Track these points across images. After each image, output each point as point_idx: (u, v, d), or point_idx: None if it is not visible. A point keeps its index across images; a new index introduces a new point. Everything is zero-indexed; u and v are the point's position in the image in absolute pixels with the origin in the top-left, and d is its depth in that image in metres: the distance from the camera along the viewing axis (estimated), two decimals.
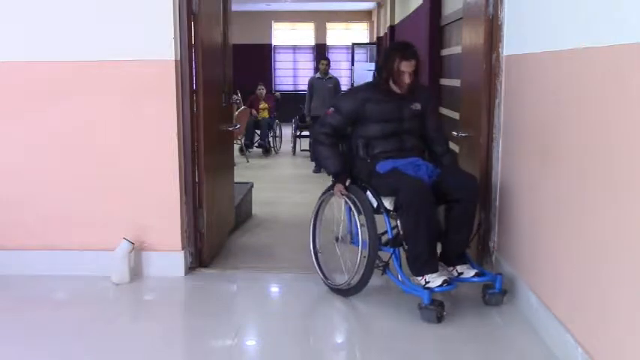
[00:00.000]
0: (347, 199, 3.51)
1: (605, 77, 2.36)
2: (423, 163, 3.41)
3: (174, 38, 3.72)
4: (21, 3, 3.75)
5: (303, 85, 15.19)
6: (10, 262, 3.89)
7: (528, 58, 3.26)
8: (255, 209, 5.73)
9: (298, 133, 10.45)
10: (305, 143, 10.09)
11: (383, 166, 3.42)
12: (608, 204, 2.33)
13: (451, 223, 3.38)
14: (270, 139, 10.50)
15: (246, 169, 8.71)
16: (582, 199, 2.56)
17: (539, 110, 3.07)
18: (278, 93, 12.28)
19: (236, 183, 5.18)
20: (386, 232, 3.45)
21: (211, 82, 4.17)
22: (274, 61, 16.88)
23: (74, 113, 3.83)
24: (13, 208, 3.91)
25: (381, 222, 3.44)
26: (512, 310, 3.31)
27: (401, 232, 3.30)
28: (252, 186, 5.81)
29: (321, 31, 16.79)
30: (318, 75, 8.92)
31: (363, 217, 3.40)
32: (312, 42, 16.89)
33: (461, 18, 4.83)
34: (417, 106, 3.57)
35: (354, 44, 15.55)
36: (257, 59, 15.54)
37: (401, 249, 3.36)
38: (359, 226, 3.46)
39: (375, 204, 3.41)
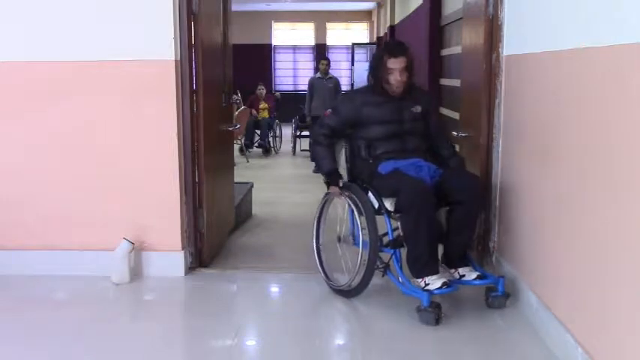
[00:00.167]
0: (349, 201, 3.51)
1: (605, 77, 2.36)
2: (425, 164, 3.38)
3: (174, 38, 3.72)
4: (21, 3, 3.75)
5: (303, 85, 15.19)
6: (10, 262, 3.89)
7: (528, 58, 3.26)
8: (255, 209, 5.73)
9: (298, 133, 10.45)
10: (305, 143, 10.07)
11: (385, 167, 3.41)
12: (608, 204, 2.33)
13: (453, 225, 3.35)
14: (270, 139, 10.50)
15: (246, 169, 8.71)
16: (582, 199, 2.56)
17: (539, 110, 3.07)
18: (278, 93, 12.28)
19: (236, 183, 5.18)
20: (387, 233, 3.44)
21: (211, 82, 4.17)
22: (274, 61, 16.88)
23: (74, 113, 3.83)
24: (13, 208, 3.91)
25: (382, 223, 3.43)
26: (512, 310, 3.31)
27: (401, 234, 3.29)
28: (252, 186, 5.81)
29: (321, 31, 16.79)
30: (318, 75, 8.93)
31: (363, 218, 3.39)
32: (312, 42, 16.90)
33: (461, 18, 4.83)
34: (418, 108, 3.54)
35: (354, 44, 15.55)
36: (257, 59, 15.55)
37: (402, 250, 3.35)
38: (360, 227, 3.46)
39: (376, 205, 3.40)
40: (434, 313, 3.10)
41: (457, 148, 4.64)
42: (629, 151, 2.16)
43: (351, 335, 3.30)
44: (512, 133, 3.56)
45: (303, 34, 16.97)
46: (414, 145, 3.52)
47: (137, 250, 3.85)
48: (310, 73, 13.98)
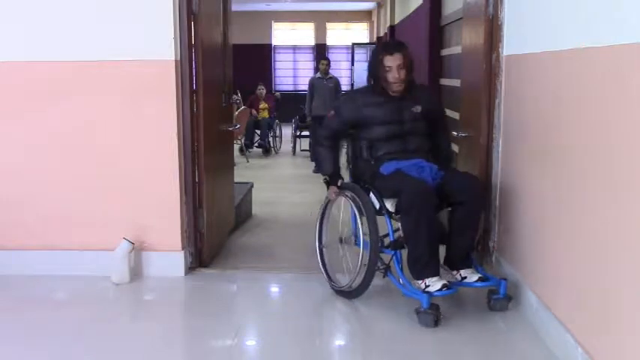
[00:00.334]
0: (351, 201, 3.50)
1: (605, 77, 2.36)
2: (427, 164, 3.36)
3: (174, 38, 3.72)
4: (21, 3, 3.75)
5: (303, 85, 15.19)
6: (10, 262, 3.89)
7: (528, 58, 3.25)
8: (255, 209, 5.73)
9: (298, 133, 10.46)
10: (305, 143, 10.09)
11: (386, 168, 3.40)
12: (608, 204, 2.33)
13: (454, 226, 3.32)
14: (270, 139, 10.51)
15: (246, 169, 8.71)
16: (582, 199, 2.56)
17: (540, 110, 3.07)
18: (278, 93, 12.28)
19: (236, 183, 5.18)
20: (388, 234, 3.42)
21: (211, 82, 4.17)
22: (274, 61, 16.88)
23: (74, 113, 3.83)
24: (13, 208, 3.91)
25: (384, 224, 3.42)
26: (512, 310, 3.30)
27: (402, 235, 3.28)
28: (252, 186, 5.81)
29: (321, 31, 16.79)
30: (318, 75, 8.93)
31: (364, 218, 3.38)
32: (312, 42, 16.90)
33: (461, 18, 4.83)
34: (418, 108, 3.52)
35: (354, 44, 15.55)
36: (257, 59, 15.55)
37: (403, 251, 3.33)
38: (361, 229, 3.45)
39: (377, 205, 3.40)
40: (433, 314, 3.09)
41: (457, 148, 4.65)
42: (629, 151, 2.16)
43: (352, 336, 3.30)
44: (513, 133, 3.56)
45: (303, 34, 16.97)
46: (415, 145, 3.50)
47: (137, 250, 3.85)
48: (310, 73, 13.98)
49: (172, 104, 3.77)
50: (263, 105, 10.64)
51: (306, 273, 3.95)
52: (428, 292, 3.13)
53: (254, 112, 10.45)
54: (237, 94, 10.09)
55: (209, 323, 3.26)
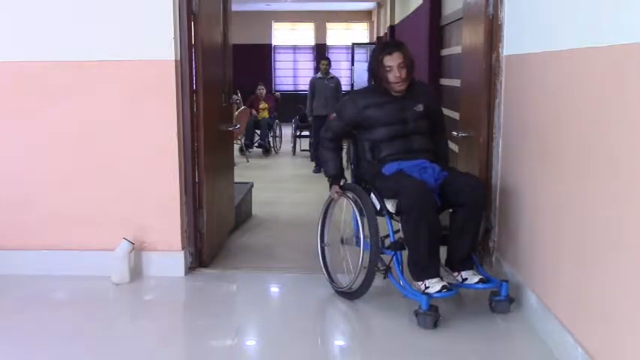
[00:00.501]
0: (352, 202, 3.50)
1: (605, 77, 2.36)
2: (429, 165, 3.33)
3: (174, 38, 3.72)
4: (21, 3, 3.75)
5: (303, 85, 15.21)
6: (10, 262, 3.89)
7: (528, 58, 3.25)
8: (255, 209, 5.73)
9: (298, 133, 10.46)
10: (305, 143, 10.10)
11: (388, 168, 3.38)
12: (608, 204, 2.33)
13: (455, 228, 3.31)
14: (270, 139, 10.51)
15: (246, 169, 8.72)
16: (582, 199, 2.56)
17: (539, 110, 3.07)
18: (278, 93, 12.28)
19: (236, 183, 5.18)
20: (389, 235, 3.40)
21: (211, 82, 4.17)
22: (274, 61, 16.88)
23: (74, 113, 3.83)
24: (13, 208, 3.91)
25: (384, 225, 3.41)
26: (512, 310, 3.29)
27: (402, 236, 3.27)
28: (252, 186, 5.82)
29: (321, 31, 16.79)
30: (319, 75, 8.93)
31: (365, 219, 3.37)
32: (312, 42, 16.90)
33: (461, 18, 4.83)
34: (420, 107, 3.50)
35: (354, 44, 15.54)
36: (257, 59, 15.55)
37: (403, 252, 3.31)
38: (361, 230, 3.45)
39: (378, 206, 3.39)
40: (432, 316, 3.07)
41: (457, 148, 4.65)
42: (629, 151, 2.16)
43: (352, 336, 3.30)
44: (513, 133, 3.56)
45: (303, 34, 16.97)
46: (419, 145, 3.48)
47: (137, 250, 3.85)
48: (310, 73, 13.99)
49: (172, 104, 3.77)
50: (263, 105, 10.64)
51: (306, 273, 3.95)
52: (427, 294, 3.12)
53: (254, 112, 10.46)
54: (237, 94, 10.09)
55: (209, 323, 3.26)
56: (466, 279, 3.30)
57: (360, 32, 17.07)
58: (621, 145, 2.22)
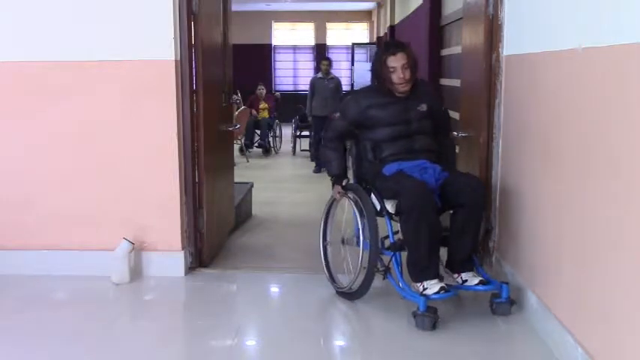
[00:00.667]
0: (354, 203, 3.49)
1: (605, 77, 2.36)
2: (430, 165, 3.31)
3: (174, 38, 3.72)
4: (21, 3, 3.75)
5: (303, 85, 15.20)
6: (10, 262, 3.89)
7: (528, 58, 3.25)
8: (255, 209, 5.73)
9: (298, 133, 10.46)
10: (305, 143, 10.10)
11: (389, 169, 3.36)
12: (608, 204, 2.33)
13: (455, 229, 3.29)
14: (270, 139, 10.51)
15: (246, 169, 8.72)
16: (582, 199, 2.56)
17: (539, 110, 3.07)
18: (278, 93, 12.28)
19: (236, 183, 5.18)
20: (390, 235, 3.39)
21: (211, 82, 4.17)
22: (274, 61, 16.88)
23: (74, 113, 3.83)
24: (13, 208, 3.91)
25: (384, 225, 3.40)
26: (513, 311, 3.29)
27: (401, 237, 3.26)
28: (252, 186, 5.82)
29: (321, 31, 16.79)
30: (319, 75, 8.93)
31: (365, 220, 3.37)
32: (312, 42, 16.89)
33: (461, 18, 4.83)
34: (424, 107, 3.48)
35: (354, 44, 15.54)
36: (257, 59, 15.55)
37: (403, 253, 3.30)
38: (360, 230, 3.45)
39: (378, 207, 3.38)
40: (430, 317, 3.05)
41: (457, 148, 4.65)
42: (629, 151, 2.16)
43: (352, 336, 3.30)
44: (513, 133, 3.56)
45: (303, 34, 16.97)
46: (421, 145, 3.46)
47: (137, 250, 3.85)
48: (310, 73, 13.99)
49: (172, 104, 3.77)
50: (263, 105, 10.64)
51: (306, 273, 3.95)
52: (425, 295, 3.10)
53: (254, 112, 10.46)
54: (237, 94, 10.09)
55: (209, 323, 3.25)
56: (466, 281, 3.29)
57: (360, 32, 17.07)
58: (621, 145, 2.22)
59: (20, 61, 3.81)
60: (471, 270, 3.32)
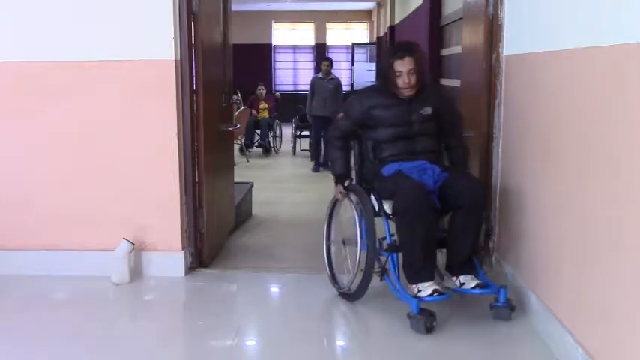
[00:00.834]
0: (353, 204, 3.49)
1: (605, 77, 2.36)
2: (429, 166, 3.28)
3: (174, 38, 3.72)
4: (21, 3, 3.75)
5: (303, 86, 15.20)
6: (10, 262, 3.89)
7: (528, 58, 3.25)
8: (255, 209, 5.73)
9: (298, 133, 10.46)
10: (305, 143, 10.09)
11: (388, 169, 3.35)
12: (608, 204, 2.33)
13: (453, 231, 3.26)
14: (270, 139, 10.51)
15: (246, 169, 8.72)
16: (582, 199, 2.56)
17: (540, 110, 3.07)
18: (278, 93, 12.28)
19: (236, 183, 5.18)
20: (387, 236, 3.38)
21: (211, 82, 4.17)
22: (274, 61, 16.88)
23: (74, 113, 3.83)
24: (13, 208, 3.91)
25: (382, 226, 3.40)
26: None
27: (397, 238, 3.24)
28: (252, 186, 5.82)
29: (321, 31, 16.79)
30: (319, 75, 8.93)
31: (364, 220, 3.36)
32: (312, 42, 16.89)
33: (461, 18, 4.83)
34: (428, 110, 3.43)
35: (354, 44, 15.55)
36: (257, 59, 15.54)
37: (399, 254, 3.28)
38: (359, 231, 3.44)
39: (376, 207, 3.37)
40: (423, 320, 3.02)
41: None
42: (629, 151, 2.16)
43: (351, 336, 3.30)
44: (513, 133, 3.56)
45: (303, 34, 16.97)
46: (422, 146, 3.43)
47: (137, 250, 3.85)
48: (310, 73, 13.99)
49: (172, 104, 3.77)
50: (263, 105, 10.64)
51: (306, 273, 3.95)
52: (418, 297, 3.08)
53: (254, 112, 10.46)
54: (237, 94, 10.09)
55: (209, 323, 3.25)
56: (463, 283, 3.25)
57: (360, 32, 17.07)
58: (621, 145, 2.22)
59: (20, 61, 3.81)
60: (470, 273, 3.28)
